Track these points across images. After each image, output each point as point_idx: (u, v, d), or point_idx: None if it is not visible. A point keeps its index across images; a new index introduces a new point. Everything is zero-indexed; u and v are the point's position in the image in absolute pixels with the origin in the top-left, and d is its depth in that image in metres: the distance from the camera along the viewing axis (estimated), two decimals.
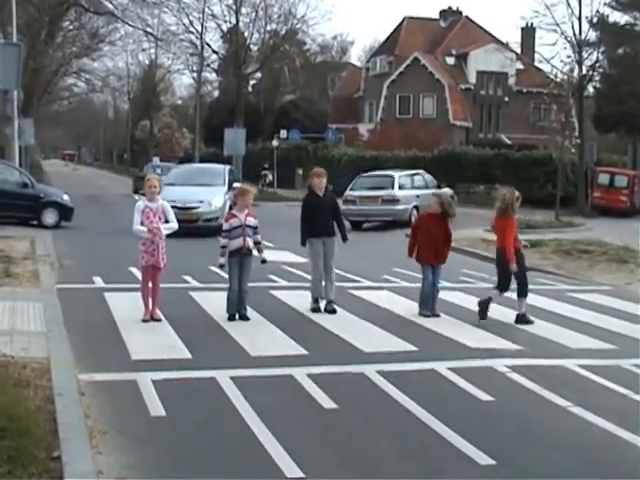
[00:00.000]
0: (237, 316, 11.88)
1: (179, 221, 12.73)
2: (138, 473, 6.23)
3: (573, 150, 37.96)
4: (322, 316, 12.38)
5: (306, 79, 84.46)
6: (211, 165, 34.72)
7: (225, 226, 12.05)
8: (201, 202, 24.30)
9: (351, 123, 76.37)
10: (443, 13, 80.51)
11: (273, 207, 39.11)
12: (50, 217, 26.29)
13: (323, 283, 12.94)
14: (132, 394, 8.14)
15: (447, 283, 14.97)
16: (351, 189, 31.58)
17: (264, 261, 12.27)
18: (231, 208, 13.41)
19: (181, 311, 12.41)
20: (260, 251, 12.12)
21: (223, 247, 11.94)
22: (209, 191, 25.10)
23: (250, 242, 11.93)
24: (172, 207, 12.31)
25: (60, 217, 26.34)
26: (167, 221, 11.80)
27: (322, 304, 12.83)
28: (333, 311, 12.69)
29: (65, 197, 27.21)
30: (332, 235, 13.02)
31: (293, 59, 75.09)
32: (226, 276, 12.25)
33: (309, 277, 15.79)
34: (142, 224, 11.60)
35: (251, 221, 12.03)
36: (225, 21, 60.40)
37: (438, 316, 12.62)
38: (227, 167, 28.47)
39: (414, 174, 33.21)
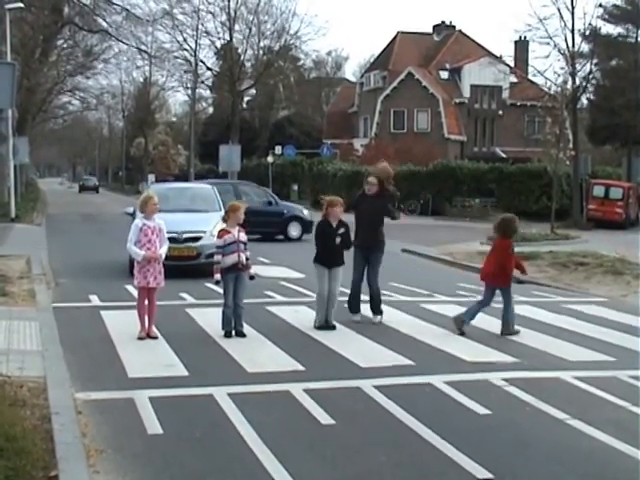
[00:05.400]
0: (233, 333, 11.87)
1: (174, 258, 12.56)
2: None
3: (568, 162, 38.02)
4: (318, 332, 12.36)
5: (300, 95, 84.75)
6: (195, 185, 29.61)
7: (219, 242, 12.02)
8: (203, 233, 19.03)
9: (346, 138, 76.58)
10: (436, 27, 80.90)
11: None
12: (294, 230, 29.53)
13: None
14: (129, 412, 8.13)
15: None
16: None
17: (252, 277, 12.27)
18: None
19: (178, 328, 12.40)
20: (248, 267, 12.11)
21: (217, 263, 11.93)
22: (206, 219, 19.49)
23: (244, 257, 11.95)
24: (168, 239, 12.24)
25: (302, 230, 29.15)
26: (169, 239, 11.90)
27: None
28: (333, 327, 12.68)
29: (305, 212, 29.80)
30: (340, 264, 12.93)
31: (287, 75, 75.39)
32: (222, 292, 12.24)
33: (306, 292, 15.84)
34: (138, 242, 11.62)
35: (243, 236, 12.05)
36: (219, 38, 60.64)
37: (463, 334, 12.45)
38: (213, 187, 23.17)
39: None
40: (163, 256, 11.82)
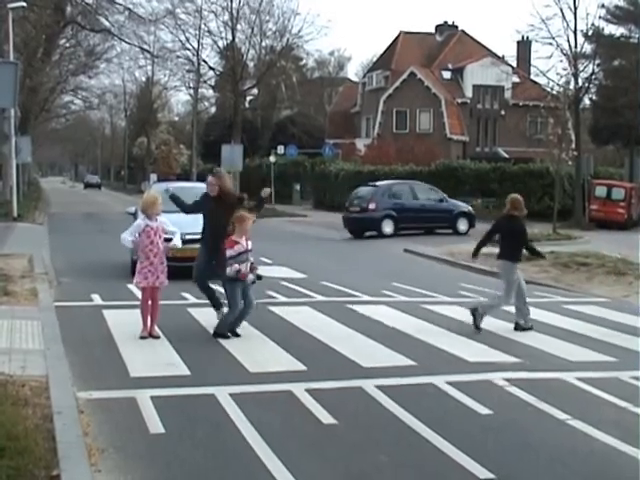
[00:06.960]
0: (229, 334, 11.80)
1: (176, 259, 12.37)
2: None
3: (570, 163, 37.97)
4: (320, 331, 12.35)
5: (303, 95, 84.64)
6: (197, 184, 28.45)
7: (231, 252, 11.84)
8: None
9: (348, 138, 76.50)
10: (439, 27, 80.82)
11: (272, 223, 39.12)
12: (462, 225, 33.10)
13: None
14: (131, 411, 8.14)
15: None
16: None
17: (260, 277, 12.27)
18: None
19: (180, 328, 12.41)
20: (253, 269, 12.01)
21: (238, 272, 11.74)
22: None
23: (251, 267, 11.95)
24: (166, 240, 12.16)
25: (469, 224, 32.85)
26: (167, 240, 11.86)
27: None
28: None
29: (470, 208, 34.00)
30: None
31: (289, 75, 75.25)
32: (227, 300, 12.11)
33: (307, 292, 15.84)
34: (140, 244, 11.59)
35: (250, 245, 12.00)
36: (221, 38, 60.45)
37: None
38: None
39: None
40: (179, 245, 11.92)
